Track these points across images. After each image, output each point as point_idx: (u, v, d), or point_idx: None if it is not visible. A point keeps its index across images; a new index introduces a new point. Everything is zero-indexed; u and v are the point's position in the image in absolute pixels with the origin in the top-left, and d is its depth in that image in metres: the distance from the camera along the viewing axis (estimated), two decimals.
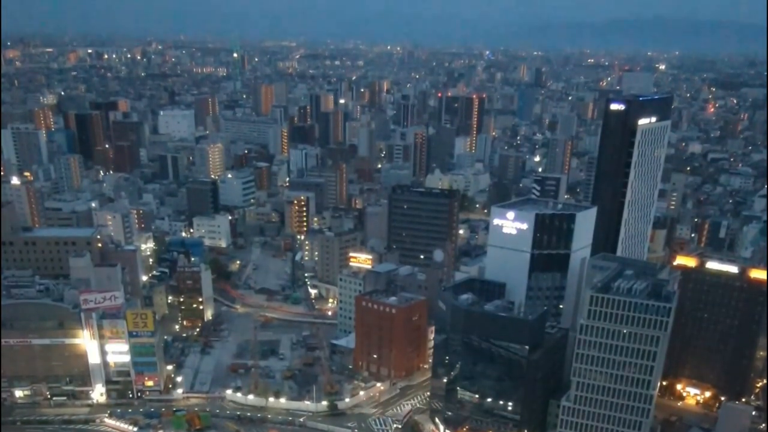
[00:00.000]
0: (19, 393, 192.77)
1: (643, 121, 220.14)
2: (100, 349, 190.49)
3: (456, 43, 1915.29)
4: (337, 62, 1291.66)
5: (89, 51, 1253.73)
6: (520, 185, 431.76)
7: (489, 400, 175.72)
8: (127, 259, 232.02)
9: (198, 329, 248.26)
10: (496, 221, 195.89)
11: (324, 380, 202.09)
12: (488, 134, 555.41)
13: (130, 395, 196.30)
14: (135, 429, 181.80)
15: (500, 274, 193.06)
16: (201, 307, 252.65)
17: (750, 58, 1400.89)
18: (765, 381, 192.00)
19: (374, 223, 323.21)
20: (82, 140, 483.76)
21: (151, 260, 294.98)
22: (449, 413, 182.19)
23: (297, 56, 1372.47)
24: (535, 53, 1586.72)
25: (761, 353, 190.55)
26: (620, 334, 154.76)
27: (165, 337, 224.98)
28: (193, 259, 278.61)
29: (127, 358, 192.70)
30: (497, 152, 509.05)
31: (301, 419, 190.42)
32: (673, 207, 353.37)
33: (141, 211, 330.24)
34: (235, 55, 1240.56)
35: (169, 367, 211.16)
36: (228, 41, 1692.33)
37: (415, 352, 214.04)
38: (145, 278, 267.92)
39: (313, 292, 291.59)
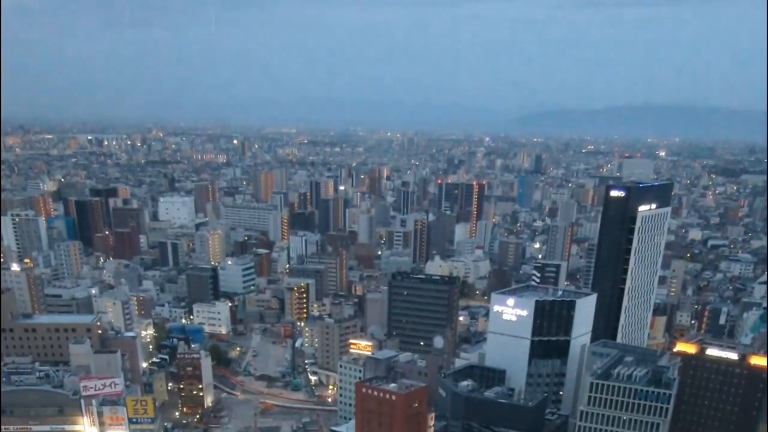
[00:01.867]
0: None
1: (643, 208, 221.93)
2: None
3: (456, 130, 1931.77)
4: (337, 149, 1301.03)
5: (89, 138, 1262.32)
6: (520, 272, 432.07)
7: None
8: (127, 346, 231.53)
9: (198, 416, 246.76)
10: (496, 308, 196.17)
11: None
12: (488, 221, 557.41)
13: None
14: None
15: (500, 360, 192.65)
16: (201, 394, 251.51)
17: (750, 144, 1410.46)
18: None
19: (374, 310, 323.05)
20: (82, 227, 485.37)
21: (151, 347, 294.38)
22: None
23: (297, 142, 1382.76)
24: (535, 140, 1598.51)
25: None
26: (620, 421, 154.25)
27: (165, 424, 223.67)
28: (193, 345, 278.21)
29: None
30: (497, 239, 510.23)
31: None
32: (673, 293, 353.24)
33: (141, 298, 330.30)
34: (235, 141, 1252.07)
35: None
36: (228, 128, 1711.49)
37: None
38: (145, 365, 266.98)
39: (313, 378, 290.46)
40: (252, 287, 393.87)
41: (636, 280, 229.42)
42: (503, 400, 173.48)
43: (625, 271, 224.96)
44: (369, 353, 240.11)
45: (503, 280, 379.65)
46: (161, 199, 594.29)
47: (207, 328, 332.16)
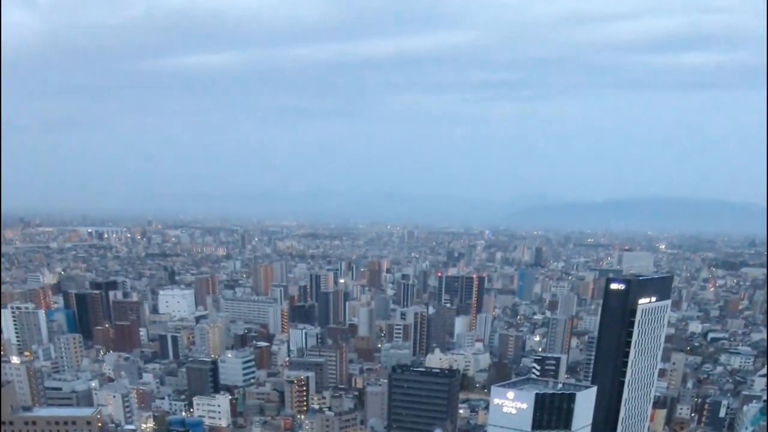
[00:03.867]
0: None
1: (643, 301, 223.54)
2: None
3: (455, 222, 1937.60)
4: (336, 242, 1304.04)
5: (89, 230, 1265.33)
6: (520, 365, 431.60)
7: None
8: None
9: None
10: (496, 401, 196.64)
11: None
12: (488, 313, 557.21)
13: None
14: None
15: None
16: None
17: (750, 237, 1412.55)
18: None
19: (374, 403, 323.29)
20: (82, 320, 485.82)
21: None
22: None
23: (297, 235, 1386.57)
24: (535, 233, 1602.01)
25: None
26: None
27: None
28: None
29: None
30: (497, 331, 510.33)
31: None
32: (673, 386, 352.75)
33: (141, 391, 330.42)
34: (234, 235, 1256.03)
35: None
36: (228, 221, 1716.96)
37: None
38: None
39: None
40: (252, 380, 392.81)
41: (636, 372, 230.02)
42: None
43: (625, 364, 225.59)
44: None
45: (503, 373, 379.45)
46: (161, 292, 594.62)
47: (207, 421, 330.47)
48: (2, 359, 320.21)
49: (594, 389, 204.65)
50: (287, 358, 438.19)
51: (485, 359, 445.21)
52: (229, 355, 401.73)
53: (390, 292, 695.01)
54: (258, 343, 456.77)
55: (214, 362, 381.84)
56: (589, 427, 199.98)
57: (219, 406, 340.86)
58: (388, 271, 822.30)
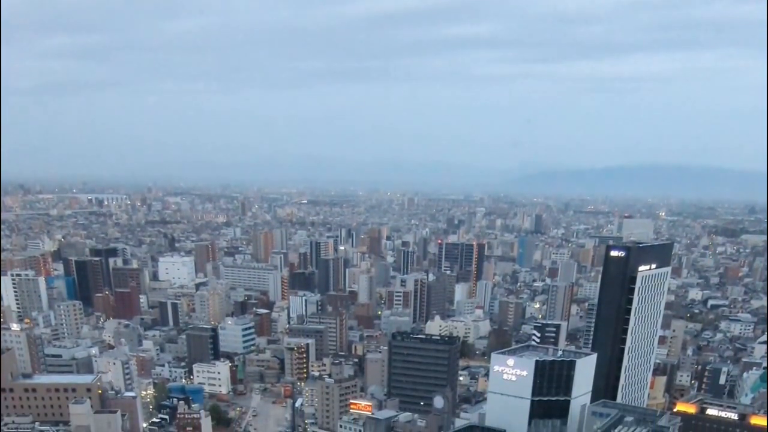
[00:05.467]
0: None
1: (643, 268, 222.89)
2: None
3: (456, 190, 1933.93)
4: (337, 209, 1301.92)
5: (89, 197, 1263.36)
6: (520, 332, 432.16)
7: None
8: (127, 406, 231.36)
9: None
10: (496, 368, 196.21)
11: None
12: (488, 281, 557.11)
13: None
14: None
15: (500, 420, 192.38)
16: None
17: (750, 204, 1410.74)
18: None
19: (374, 370, 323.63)
20: (82, 287, 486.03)
21: (151, 407, 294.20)
22: None
23: (297, 202, 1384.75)
24: (535, 200, 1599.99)
25: None
26: None
27: None
28: (193, 405, 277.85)
29: None
30: (497, 299, 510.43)
31: None
32: (673, 353, 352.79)
33: (141, 358, 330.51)
34: (235, 202, 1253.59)
35: None
36: (228, 188, 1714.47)
37: None
38: (145, 425, 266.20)
39: None
40: (252, 347, 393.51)
41: (636, 339, 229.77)
42: None
43: (625, 331, 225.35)
44: (369, 413, 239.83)
45: (503, 340, 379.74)
46: (161, 259, 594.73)
47: (207, 388, 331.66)
48: (2, 326, 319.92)
49: (594, 356, 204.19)
50: (287, 325, 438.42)
51: (485, 326, 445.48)
52: (229, 322, 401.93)
53: (390, 259, 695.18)
54: (258, 310, 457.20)
55: (214, 329, 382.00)
56: (589, 394, 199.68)
57: (219, 373, 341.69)
58: (388, 238, 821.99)
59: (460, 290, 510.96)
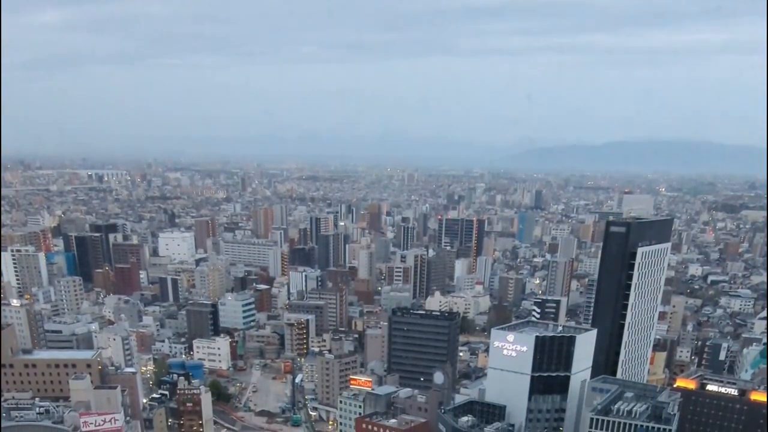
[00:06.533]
0: None
1: (643, 244, 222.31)
2: None
3: (456, 165, 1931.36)
4: (336, 184, 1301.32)
5: (89, 173, 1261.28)
6: (520, 307, 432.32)
7: None
8: (127, 382, 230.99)
9: None
10: (496, 343, 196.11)
11: None
12: (488, 256, 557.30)
13: None
14: None
15: (500, 396, 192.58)
16: (201, 430, 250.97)
17: (750, 180, 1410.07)
18: None
19: (374, 346, 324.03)
20: (83, 262, 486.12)
21: (151, 382, 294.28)
22: None
23: (297, 178, 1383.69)
24: (535, 175, 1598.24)
25: None
26: None
27: None
28: (193, 381, 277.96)
29: None
30: (497, 274, 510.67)
31: None
32: (673, 329, 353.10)
33: (141, 334, 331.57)
34: (234, 178, 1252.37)
35: None
36: (228, 163, 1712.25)
37: None
38: (145, 400, 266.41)
39: (313, 414, 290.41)
40: (252, 323, 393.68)
41: (636, 315, 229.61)
42: None
43: (625, 307, 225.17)
44: (369, 389, 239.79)
45: (503, 316, 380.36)
46: (161, 235, 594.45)
47: (207, 364, 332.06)
48: (2, 302, 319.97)
49: (594, 332, 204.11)
50: (287, 301, 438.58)
51: (485, 302, 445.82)
52: (229, 298, 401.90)
53: (390, 235, 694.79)
54: (258, 285, 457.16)
55: (214, 305, 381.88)
56: (589, 370, 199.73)
57: (219, 348, 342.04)
58: (388, 213, 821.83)
59: (460, 266, 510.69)
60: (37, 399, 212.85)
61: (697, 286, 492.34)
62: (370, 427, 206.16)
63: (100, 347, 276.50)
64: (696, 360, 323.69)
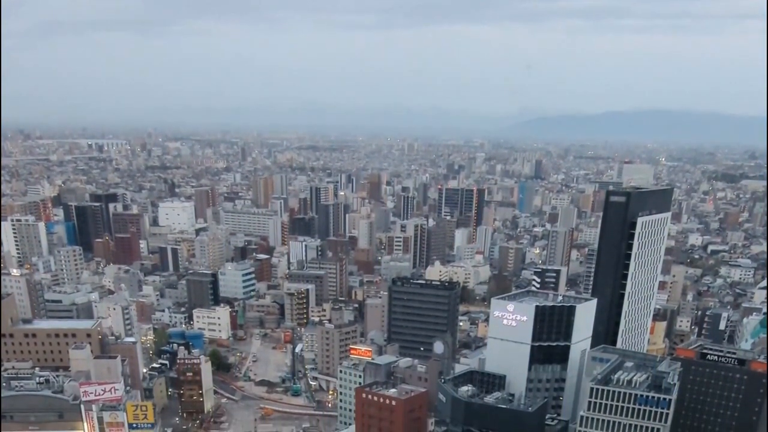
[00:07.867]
0: None
1: (643, 213, 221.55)
2: None
3: (456, 135, 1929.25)
4: (336, 154, 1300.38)
5: (89, 143, 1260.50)
6: (520, 277, 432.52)
7: None
8: (127, 351, 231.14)
9: (198, 421, 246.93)
10: (496, 313, 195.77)
11: None
12: (488, 226, 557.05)
13: None
14: None
15: (500, 366, 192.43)
16: (201, 399, 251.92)
17: (750, 150, 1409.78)
18: None
19: (374, 315, 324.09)
20: (83, 232, 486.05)
21: (151, 352, 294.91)
22: None
23: (297, 147, 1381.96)
24: (535, 145, 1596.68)
25: None
26: (621, 426, 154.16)
27: (165, 429, 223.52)
28: (193, 351, 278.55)
29: None
30: (497, 244, 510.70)
31: None
32: (673, 299, 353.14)
33: (141, 303, 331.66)
34: (234, 147, 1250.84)
35: None
36: (228, 133, 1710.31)
37: None
38: (145, 370, 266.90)
39: (313, 384, 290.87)
40: (252, 292, 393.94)
41: (636, 285, 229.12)
42: (503, 406, 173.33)
43: (625, 277, 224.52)
44: (369, 358, 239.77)
45: (503, 286, 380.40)
46: (161, 205, 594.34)
47: (207, 334, 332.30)
48: (2, 271, 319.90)
49: (594, 302, 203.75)
50: (287, 271, 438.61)
51: (485, 272, 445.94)
52: (229, 268, 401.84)
53: (390, 204, 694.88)
54: (258, 255, 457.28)
55: (214, 275, 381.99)
56: (589, 340, 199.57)
57: (219, 318, 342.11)
58: (388, 183, 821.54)
59: (460, 236, 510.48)
60: (37, 368, 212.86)
61: (697, 256, 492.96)
62: (370, 396, 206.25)
63: (100, 317, 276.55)
64: (696, 330, 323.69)
